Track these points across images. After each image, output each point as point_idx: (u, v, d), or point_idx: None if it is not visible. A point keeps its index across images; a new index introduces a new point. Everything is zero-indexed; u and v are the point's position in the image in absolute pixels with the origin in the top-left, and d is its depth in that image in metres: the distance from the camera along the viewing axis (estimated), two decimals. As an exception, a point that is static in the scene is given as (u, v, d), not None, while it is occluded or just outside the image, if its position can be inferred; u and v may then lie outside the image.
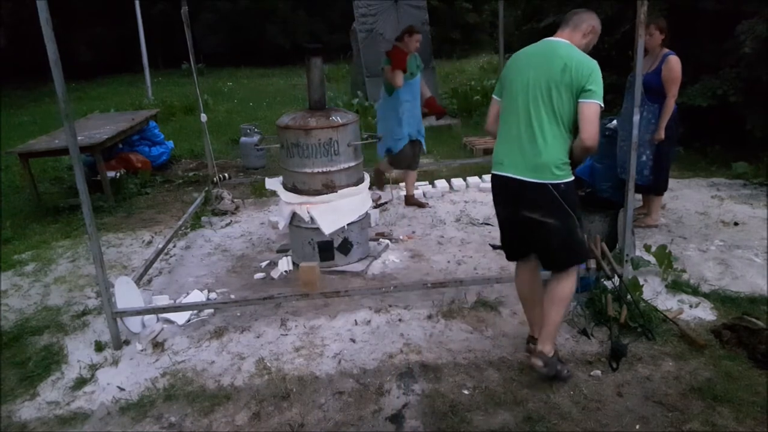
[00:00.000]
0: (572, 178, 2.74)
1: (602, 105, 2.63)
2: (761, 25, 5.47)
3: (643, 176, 4.49)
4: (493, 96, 2.97)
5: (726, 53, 5.99)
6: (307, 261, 4.06)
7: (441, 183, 6.14)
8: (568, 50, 2.68)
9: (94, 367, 3.21)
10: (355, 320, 3.52)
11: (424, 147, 5.53)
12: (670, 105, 4.34)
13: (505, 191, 2.82)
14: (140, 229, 5.41)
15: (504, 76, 2.87)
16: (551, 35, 2.82)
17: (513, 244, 2.98)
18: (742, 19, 5.64)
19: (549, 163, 2.65)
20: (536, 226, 2.73)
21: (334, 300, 3.70)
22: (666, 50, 4.37)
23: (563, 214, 2.70)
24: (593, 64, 2.63)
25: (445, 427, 2.61)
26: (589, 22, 2.78)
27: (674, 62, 4.29)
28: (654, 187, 4.61)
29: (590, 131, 2.62)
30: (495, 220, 5.04)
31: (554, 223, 2.70)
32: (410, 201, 5.65)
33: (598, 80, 2.62)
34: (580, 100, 2.62)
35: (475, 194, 5.98)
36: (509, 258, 3.08)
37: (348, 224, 4.18)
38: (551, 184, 2.67)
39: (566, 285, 2.83)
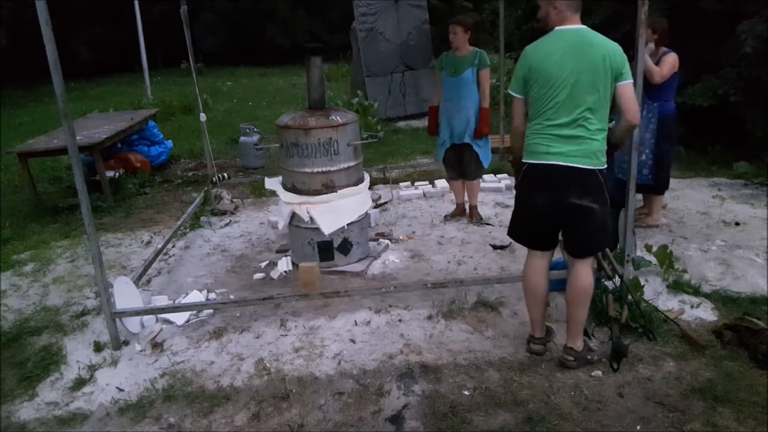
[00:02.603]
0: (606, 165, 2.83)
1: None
2: (762, 24, 5.47)
3: (643, 175, 4.47)
4: (515, 94, 2.89)
5: (727, 53, 5.98)
6: (306, 261, 4.05)
7: (441, 183, 6.11)
8: (597, 38, 2.73)
9: (93, 368, 3.21)
10: (355, 321, 3.51)
11: (480, 156, 4.83)
12: (651, 67, 4.21)
13: (551, 179, 2.78)
14: (139, 229, 5.41)
15: (531, 72, 2.78)
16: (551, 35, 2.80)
17: (546, 233, 2.95)
18: (743, 19, 5.64)
19: (596, 150, 2.73)
20: (581, 212, 2.76)
21: (334, 300, 3.69)
22: (665, 49, 4.37)
23: (605, 199, 2.78)
24: (620, 47, 2.73)
25: (446, 428, 2.60)
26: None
27: (671, 57, 4.29)
28: (655, 186, 4.60)
29: (633, 109, 2.76)
30: (495, 220, 5.14)
31: (598, 208, 2.76)
32: (471, 214, 5.14)
33: (627, 60, 2.73)
34: (618, 83, 2.71)
35: (475, 194, 5.95)
36: (533, 247, 3.02)
37: (348, 224, 4.17)
38: (598, 169, 2.74)
39: (589, 274, 2.90)
